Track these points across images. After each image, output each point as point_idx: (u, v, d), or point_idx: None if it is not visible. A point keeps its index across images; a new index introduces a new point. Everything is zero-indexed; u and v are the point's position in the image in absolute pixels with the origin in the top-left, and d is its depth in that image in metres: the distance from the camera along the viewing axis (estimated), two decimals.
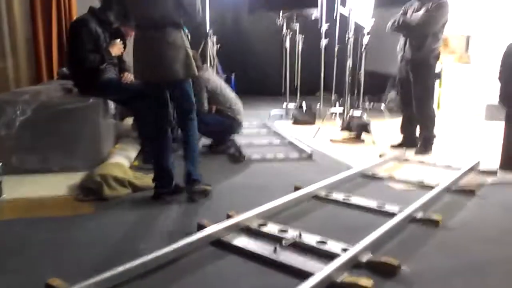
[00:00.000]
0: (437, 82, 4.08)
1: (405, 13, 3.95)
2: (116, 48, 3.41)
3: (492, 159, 3.52)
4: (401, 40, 3.98)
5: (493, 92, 4.22)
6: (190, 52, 2.69)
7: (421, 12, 3.76)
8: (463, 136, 4.88)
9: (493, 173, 3.32)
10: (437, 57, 3.87)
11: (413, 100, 3.93)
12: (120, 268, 1.76)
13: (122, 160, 3.25)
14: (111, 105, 3.70)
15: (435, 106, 4.03)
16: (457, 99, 6.13)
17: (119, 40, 3.46)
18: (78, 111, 3.29)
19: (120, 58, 3.57)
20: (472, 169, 3.35)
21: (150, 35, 2.58)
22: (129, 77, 3.41)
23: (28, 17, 5.08)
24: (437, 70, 3.95)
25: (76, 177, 3.04)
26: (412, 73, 3.89)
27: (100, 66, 3.33)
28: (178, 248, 1.97)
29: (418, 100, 3.91)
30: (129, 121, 4.35)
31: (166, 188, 2.76)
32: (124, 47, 3.53)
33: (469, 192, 2.90)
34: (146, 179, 2.98)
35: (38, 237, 2.24)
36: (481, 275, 1.90)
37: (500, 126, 3.57)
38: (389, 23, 3.97)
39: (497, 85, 3.45)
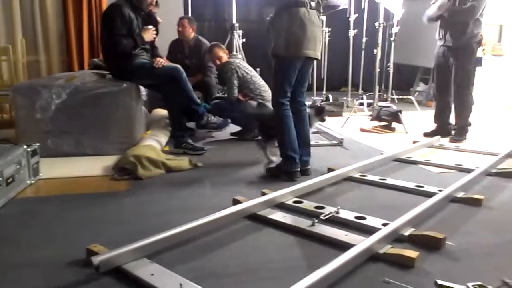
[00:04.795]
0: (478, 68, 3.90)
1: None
2: (149, 34, 3.43)
3: None
4: (440, 28, 3.88)
5: None
6: None
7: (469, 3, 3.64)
8: (497, 125, 4.76)
9: None
10: (479, 43, 3.78)
11: (453, 86, 3.84)
12: (158, 236, 1.75)
13: (154, 143, 3.27)
14: (143, 92, 3.73)
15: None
16: (489, 91, 5.94)
17: (151, 26, 3.49)
18: (112, 95, 3.32)
19: (152, 44, 3.60)
20: (509, 155, 3.24)
21: (307, 13, 2.65)
22: (160, 62, 3.42)
23: (60, 13, 5.24)
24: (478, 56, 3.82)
25: (110, 160, 3.08)
26: (454, 59, 3.79)
27: (133, 51, 3.36)
28: (215, 220, 1.96)
29: (458, 87, 3.81)
30: (157, 111, 4.39)
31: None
32: (157, 34, 3.55)
33: (509, 174, 2.80)
34: (179, 161, 3.00)
35: (74, 211, 2.27)
36: None
37: None
38: (428, 13, 3.87)
39: None
